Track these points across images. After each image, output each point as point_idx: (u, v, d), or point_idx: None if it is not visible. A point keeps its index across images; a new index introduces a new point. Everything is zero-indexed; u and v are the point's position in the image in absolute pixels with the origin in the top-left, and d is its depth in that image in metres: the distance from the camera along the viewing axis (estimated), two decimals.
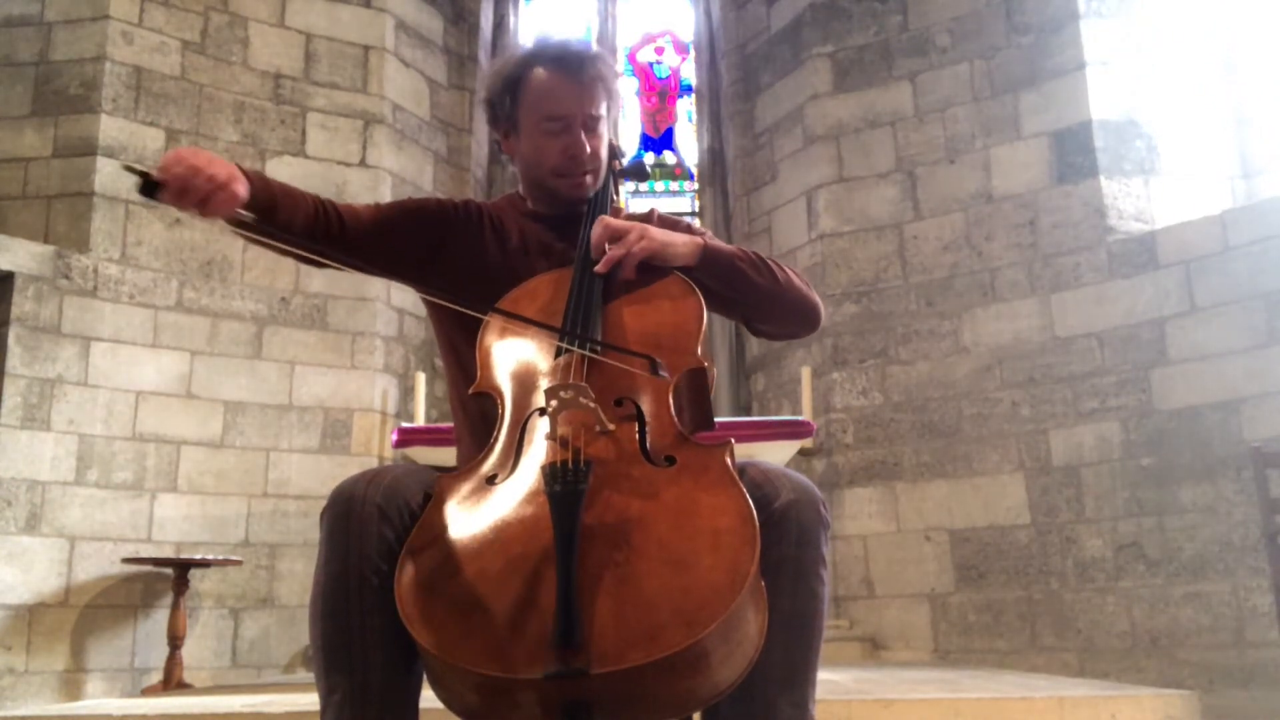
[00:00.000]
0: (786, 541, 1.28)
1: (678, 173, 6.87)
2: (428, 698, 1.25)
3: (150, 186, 1.32)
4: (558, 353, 1.41)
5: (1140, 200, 4.81)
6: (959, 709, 2.57)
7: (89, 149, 4.81)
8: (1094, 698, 2.60)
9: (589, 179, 1.71)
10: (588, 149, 1.67)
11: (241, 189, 1.38)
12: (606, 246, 1.54)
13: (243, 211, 1.41)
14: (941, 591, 4.93)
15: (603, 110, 1.69)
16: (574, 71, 1.66)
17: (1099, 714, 2.56)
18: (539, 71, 1.67)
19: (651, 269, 1.56)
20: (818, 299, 1.68)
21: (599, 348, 1.39)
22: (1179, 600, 4.27)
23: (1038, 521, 4.73)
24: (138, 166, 1.33)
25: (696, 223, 6.75)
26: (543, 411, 1.34)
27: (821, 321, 1.69)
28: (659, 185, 6.86)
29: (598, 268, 1.53)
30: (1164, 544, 4.34)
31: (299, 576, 4.94)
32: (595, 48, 1.75)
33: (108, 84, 4.89)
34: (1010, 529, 4.80)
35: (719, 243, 1.67)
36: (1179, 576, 4.29)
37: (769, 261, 1.64)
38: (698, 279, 1.54)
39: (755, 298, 1.62)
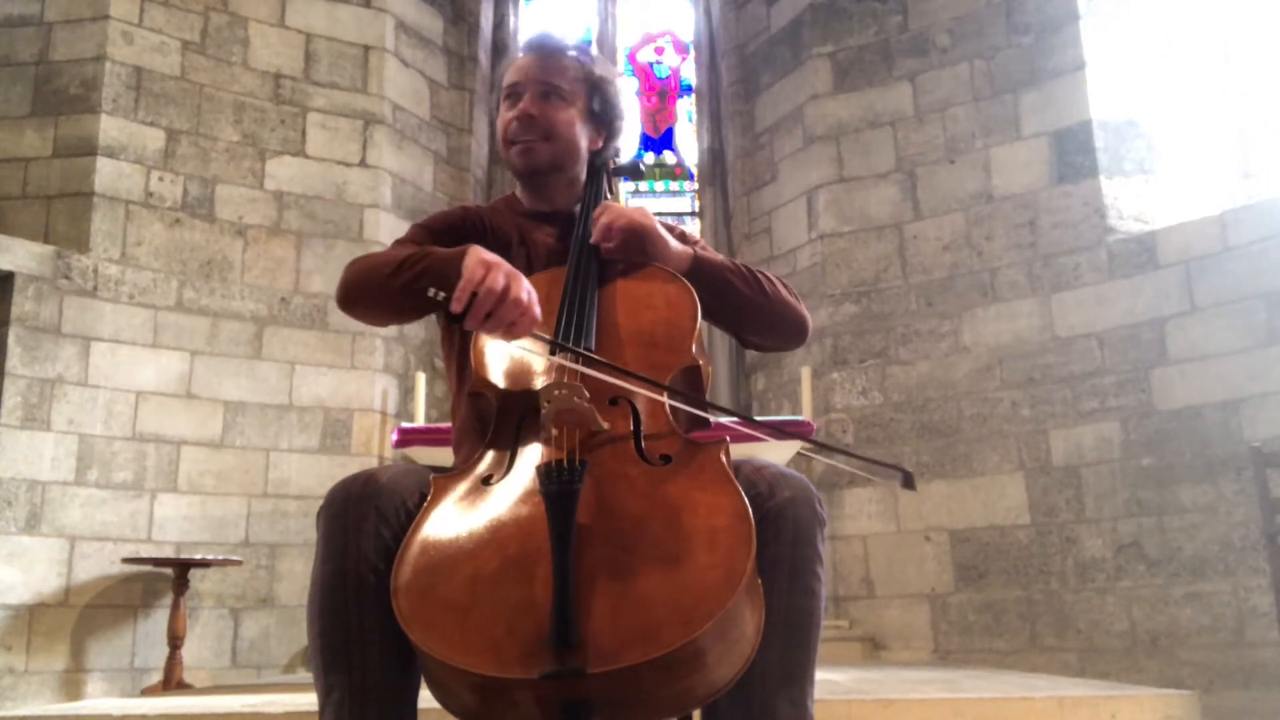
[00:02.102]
0: (783, 539, 1.28)
1: (678, 173, 6.87)
2: (426, 698, 1.25)
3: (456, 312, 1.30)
4: (552, 351, 1.41)
5: (1140, 200, 4.81)
6: (959, 709, 2.56)
7: (89, 149, 4.81)
8: (1094, 698, 2.60)
9: (538, 146, 1.71)
10: (534, 112, 1.69)
11: (539, 310, 1.35)
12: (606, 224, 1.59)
13: (539, 332, 1.36)
14: (941, 591, 4.93)
15: (563, 83, 1.71)
16: (537, 48, 1.75)
17: (1099, 714, 2.56)
18: (516, 55, 1.78)
19: (646, 269, 1.57)
20: (806, 312, 1.69)
21: (591, 357, 1.39)
22: (1179, 600, 4.27)
23: (1038, 521, 4.73)
24: (441, 294, 1.30)
25: (694, 227, 6.77)
26: (537, 411, 1.33)
27: (809, 334, 1.70)
28: (659, 185, 6.86)
29: (594, 238, 1.57)
30: (1164, 544, 4.34)
31: (299, 576, 4.94)
32: (583, 44, 1.80)
33: (108, 84, 4.89)
34: (1010, 529, 4.80)
35: (711, 253, 1.68)
36: (1179, 576, 4.29)
37: (759, 274, 1.65)
38: None
39: (744, 309, 1.64)
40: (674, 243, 1.62)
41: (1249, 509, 4.05)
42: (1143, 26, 4.97)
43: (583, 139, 1.75)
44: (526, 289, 1.34)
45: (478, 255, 1.36)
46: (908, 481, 1.33)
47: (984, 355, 5.03)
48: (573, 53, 1.75)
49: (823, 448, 1.44)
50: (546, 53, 1.73)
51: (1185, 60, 4.96)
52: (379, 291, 1.52)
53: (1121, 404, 4.56)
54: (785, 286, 1.68)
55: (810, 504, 1.32)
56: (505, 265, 1.35)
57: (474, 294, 1.30)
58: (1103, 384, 4.63)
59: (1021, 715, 2.56)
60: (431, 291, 1.30)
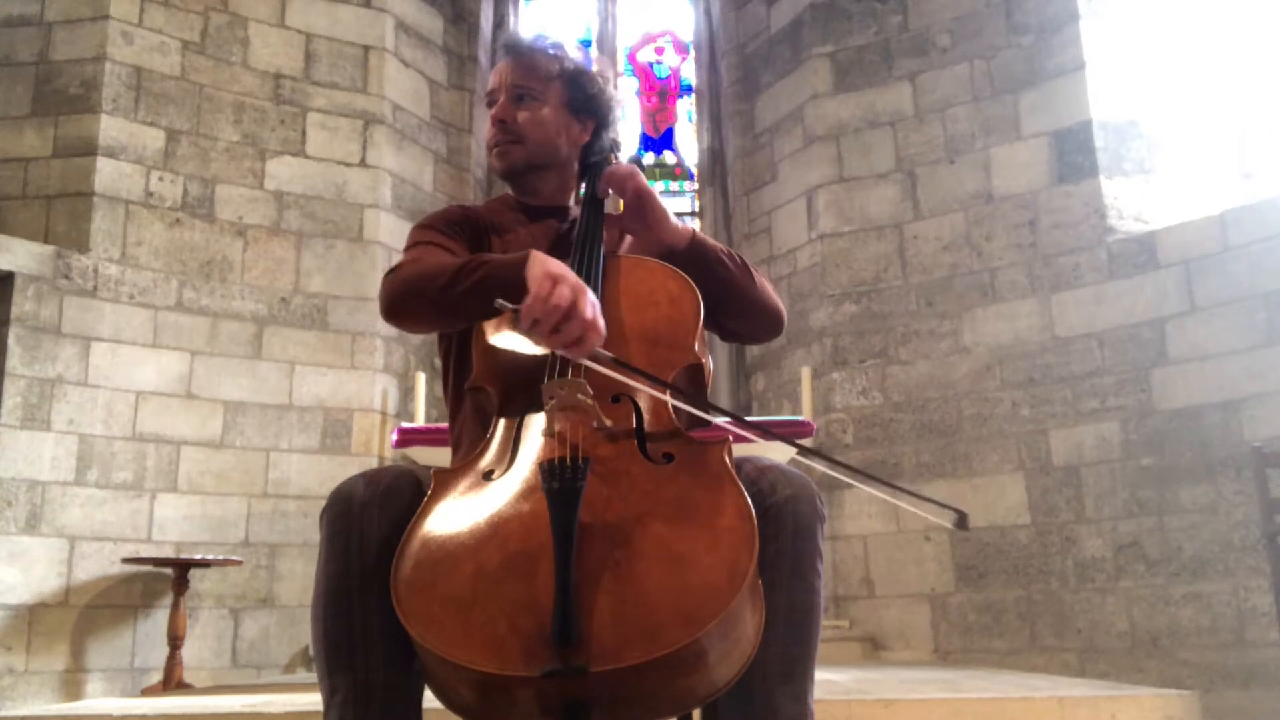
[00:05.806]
0: (783, 536, 1.28)
1: (678, 173, 6.87)
2: (431, 697, 1.25)
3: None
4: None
5: (1140, 200, 4.81)
6: (959, 709, 2.56)
7: (89, 149, 4.81)
8: (1094, 698, 2.60)
9: (511, 149, 1.72)
10: (505, 116, 1.71)
11: (604, 324, 1.31)
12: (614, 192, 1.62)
13: (601, 350, 1.30)
14: (941, 591, 4.93)
15: (534, 83, 1.72)
16: (510, 50, 1.76)
17: (1099, 714, 2.56)
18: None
19: (649, 265, 1.57)
20: (783, 308, 1.73)
21: (600, 352, 1.38)
22: (1179, 600, 4.27)
23: (1038, 521, 4.72)
24: (508, 305, 1.27)
25: (694, 227, 6.77)
26: (540, 407, 1.33)
27: (784, 329, 1.74)
28: (659, 185, 6.86)
29: (604, 185, 1.62)
30: (1164, 544, 4.34)
31: (299, 576, 4.94)
32: (559, 39, 1.79)
33: (108, 84, 4.89)
34: (1010, 529, 4.79)
35: (705, 236, 1.72)
36: (1179, 576, 4.29)
37: (745, 263, 1.69)
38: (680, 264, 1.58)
39: (731, 293, 1.65)
40: (674, 220, 1.65)
41: (1249, 509, 4.05)
42: (1143, 26, 4.97)
43: (562, 134, 1.74)
44: (592, 302, 1.30)
45: (543, 266, 1.32)
46: (961, 522, 1.31)
47: (984, 355, 5.03)
48: (544, 49, 1.75)
49: (882, 484, 1.44)
50: (518, 54, 1.74)
51: (1185, 60, 4.95)
52: (433, 302, 1.47)
53: (1121, 404, 4.56)
54: (768, 280, 1.72)
55: (811, 500, 1.32)
56: (571, 277, 1.31)
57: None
58: (1103, 384, 4.63)
59: (1021, 715, 2.56)
60: (498, 303, 1.28)
